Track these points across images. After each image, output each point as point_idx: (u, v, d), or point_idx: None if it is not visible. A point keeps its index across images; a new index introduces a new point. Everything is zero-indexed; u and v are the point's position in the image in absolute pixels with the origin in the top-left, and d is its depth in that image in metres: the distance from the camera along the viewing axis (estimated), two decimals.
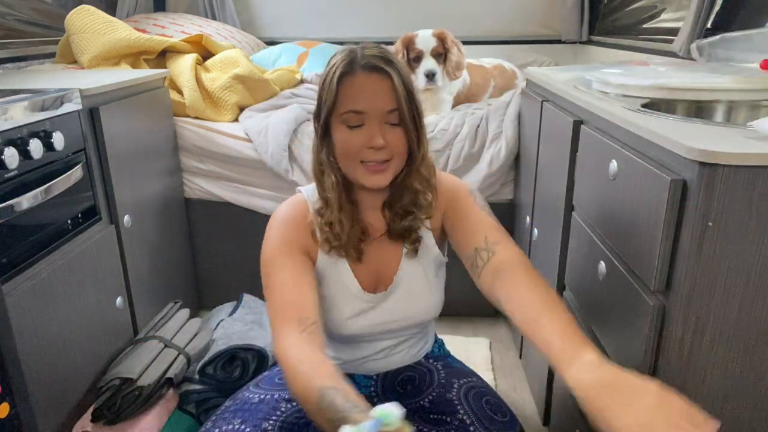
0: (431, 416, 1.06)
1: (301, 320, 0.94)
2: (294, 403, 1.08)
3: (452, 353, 1.28)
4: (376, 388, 1.17)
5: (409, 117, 0.97)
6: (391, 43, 2.04)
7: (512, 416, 1.07)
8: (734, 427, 0.88)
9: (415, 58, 2.01)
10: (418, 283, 1.11)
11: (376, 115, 0.96)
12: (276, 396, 1.10)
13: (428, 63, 1.97)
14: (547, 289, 0.92)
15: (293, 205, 1.10)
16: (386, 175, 1.00)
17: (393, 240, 1.10)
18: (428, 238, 1.11)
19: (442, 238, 1.14)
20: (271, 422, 1.03)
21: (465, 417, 1.03)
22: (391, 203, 1.07)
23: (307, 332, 0.92)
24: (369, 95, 0.95)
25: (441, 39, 1.98)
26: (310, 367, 0.87)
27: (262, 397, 1.10)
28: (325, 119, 1.00)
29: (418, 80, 1.98)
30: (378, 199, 1.08)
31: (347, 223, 1.04)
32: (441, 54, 1.99)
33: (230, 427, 1.02)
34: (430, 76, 1.96)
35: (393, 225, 1.07)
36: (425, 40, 1.98)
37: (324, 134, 1.02)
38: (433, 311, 1.13)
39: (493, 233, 1.02)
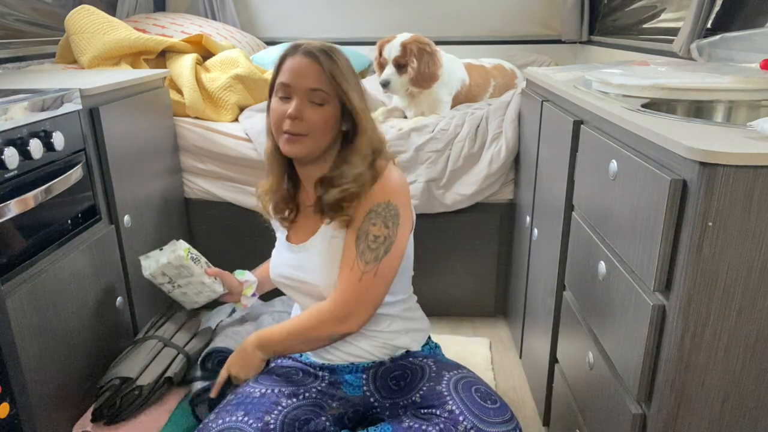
0: (422, 411, 1.07)
1: None
2: (294, 398, 1.11)
3: (452, 353, 1.28)
4: (368, 386, 1.18)
5: (334, 99, 1.11)
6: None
7: (503, 403, 1.08)
8: (734, 427, 0.88)
9: (381, 64, 2.04)
10: (320, 253, 1.19)
11: (300, 91, 1.10)
12: (276, 390, 1.11)
13: (386, 71, 2.01)
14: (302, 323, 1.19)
15: None
16: (300, 147, 1.12)
17: (316, 214, 1.19)
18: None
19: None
20: (273, 416, 1.05)
21: (454, 407, 1.04)
22: (330, 180, 1.15)
23: None
24: (297, 73, 1.10)
25: (405, 49, 1.98)
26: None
27: (263, 391, 1.11)
28: (269, 91, 1.16)
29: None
30: (313, 174, 1.18)
31: (278, 190, 1.22)
32: (404, 65, 1.99)
33: (233, 418, 1.04)
34: (385, 85, 2.00)
35: (324, 197, 1.15)
36: (391, 48, 2.00)
37: (269, 105, 1.18)
38: (322, 280, 1.19)
39: (343, 273, 1.14)
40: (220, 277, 1.44)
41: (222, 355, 1.49)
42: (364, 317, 1.14)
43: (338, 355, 1.22)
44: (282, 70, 1.12)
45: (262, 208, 1.30)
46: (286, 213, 1.25)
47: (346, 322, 1.13)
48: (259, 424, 1.03)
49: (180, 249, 1.31)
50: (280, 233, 1.31)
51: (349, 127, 1.15)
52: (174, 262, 1.32)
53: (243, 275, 1.47)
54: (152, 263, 1.35)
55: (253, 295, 1.49)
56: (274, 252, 1.33)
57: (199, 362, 1.49)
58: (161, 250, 1.33)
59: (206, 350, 1.49)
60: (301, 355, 1.25)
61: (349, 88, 1.12)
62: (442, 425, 1.02)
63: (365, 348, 1.22)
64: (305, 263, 1.22)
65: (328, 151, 1.16)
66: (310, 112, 1.10)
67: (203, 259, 1.37)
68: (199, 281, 1.37)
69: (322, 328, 1.15)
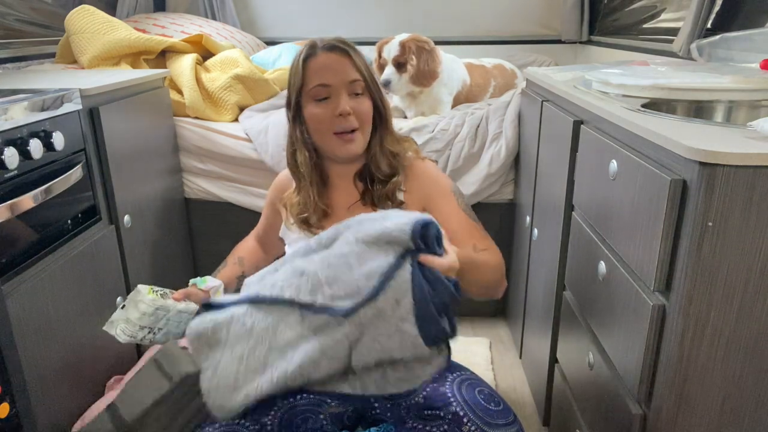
0: (425, 412, 1.06)
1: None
2: (290, 399, 1.10)
3: (452, 353, 1.28)
4: None
5: (372, 85, 1.10)
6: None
7: (506, 405, 1.07)
8: (734, 427, 0.88)
9: (381, 65, 2.05)
10: None
11: (341, 86, 1.07)
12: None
13: (386, 71, 2.02)
14: (490, 259, 1.12)
15: (285, 173, 1.27)
16: (357, 144, 1.10)
17: (367, 207, 1.15)
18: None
19: None
20: (269, 417, 1.05)
21: (458, 409, 1.03)
22: (369, 172, 1.13)
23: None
24: (332, 69, 1.07)
25: (404, 48, 1.99)
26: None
27: None
28: (296, 100, 1.11)
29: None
30: (350, 170, 1.16)
31: (315, 196, 1.16)
32: (403, 63, 2.01)
33: (230, 422, 1.03)
34: (385, 85, 2.01)
35: (373, 191, 1.13)
36: (390, 48, 2.02)
37: (296, 115, 1.12)
38: None
39: (481, 241, 1.12)
40: (187, 297, 1.28)
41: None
42: None
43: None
44: (310, 74, 1.09)
45: (293, 220, 1.21)
46: (315, 219, 1.19)
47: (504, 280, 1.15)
48: (256, 426, 1.03)
49: (144, 294, 1.16)
50: (304, 239, 1.21)
51: (381, 110, 1.15)
52: (148, 311, 1.15)
53: (205, 282, 1.31)
54: (125, 326, 1.16)
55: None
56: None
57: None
58: (122, 308, 1.16)
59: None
60: None
61: (370, 71, 1.13)
62: (446, 427, 1.01)
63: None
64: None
65: None
66: (355, 104, 1.09)
67: (166, 289, 1.22)
68: (176, 312, 1.22)
69: (501, 274, 1.14)
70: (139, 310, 1.14)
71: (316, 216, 1.18)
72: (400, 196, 1.15)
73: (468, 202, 1.21)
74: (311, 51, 1.09)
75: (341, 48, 1.09)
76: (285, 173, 1.28)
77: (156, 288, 1.20)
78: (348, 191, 1.18)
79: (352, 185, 1.17)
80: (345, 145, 1.09)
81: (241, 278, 1.35)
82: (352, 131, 1.09)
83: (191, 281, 1.30)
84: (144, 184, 1.73)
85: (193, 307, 1.23)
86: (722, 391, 0.86)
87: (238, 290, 1.29)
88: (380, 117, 1.15)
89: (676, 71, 1.32)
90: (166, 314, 1.17)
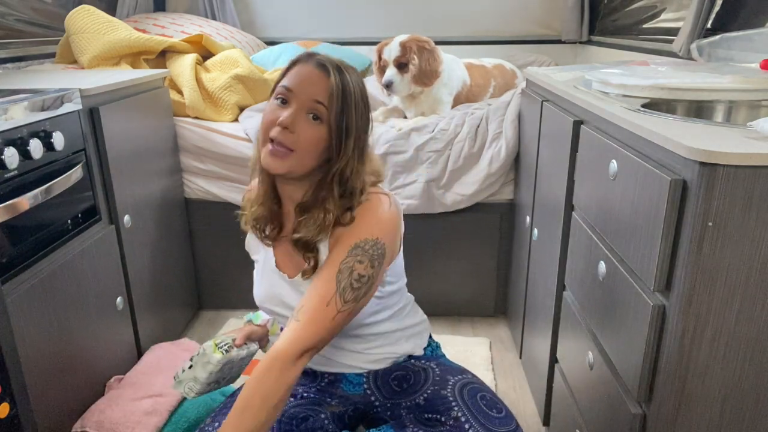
0: (425, 416, 1.06)
1: None
2: (292, 398, 1.09)
3: (452, 353, 1.28)
4: (369, 384, 1.17)
5: (334, 120, 0.99)
6: None
7: (508, 412, 1.07)
8: (734, 427, 0.88)
9: (381, 67, 2.05)
10: None
11: (302, 100, 0.99)
12: None
13: (388, 72, 2.02)
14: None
15: (251, 187, 1.20)
16: (282, 163, 0.99)
17: (299, 260, 1.07)
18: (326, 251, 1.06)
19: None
20: None
21: (460, 414, 1.03)
22: (301, 209, 1.05)
23: None
24: (306, 81, 1.00)
25: (405, 48, 2.00)
26: None
27: None
28: (270, 94, 1.06)
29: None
30: (296, 195, 1.07)
31: (267, 206, 1.09)
32: (405, 63, 2.01)
33: None
34: (388, 86, 2.02)
35: (296, 230, 1.05)
36: (390, 49, 2.02)
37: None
38: None
39: (307, 309, 0.98)
40: (248, 339, 1.25)
41: None
42: (318, 352, 1.01)
43: (337, 367, 1.19)
44: (288, 74, 1.04)
45: (246, 219, 1.14)
46: (268, 230, 1.12)
47: (304, 357, 0.96)
48: None
49: (211, 354, 1.13)
50: (263, 256, 1.15)
51: (333, 156, 1.02)
52: (215, 369, 1.14)
53: (260, 318, 1.28)
54: (193, 384, 1.15)
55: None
56: (259, 277, 1.17)
57: None
58: (190, 367, 1.14)
59: None
60: None
61: (351, 112, 1.01)
62: None
63: (363, 365, 1.17)
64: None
65: (311, 174, 1.04)
66: (304, 126, 0.99)
67: (228, 338, 1.20)
68: (239, 360, 1.20)
69: (277, 370, 0.93)
70: (207, 371, 1.13)
71: (266, 220, 1.11)
72: (321, 253, 1.05)
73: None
74: (306, 57, 1.04)
75: (328, 68, 1.01)
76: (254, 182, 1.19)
77: (220, 342, 1.17)
78: (290, 214, 1.09)
79: (292, 211, 1.08)
80: (269, 156, 0.99)
81: None
82: (286, 147, 0.99)
83: (246, 317, 1.29)
84: (144, 184, 1.73)
85: (254, 348, 1.23)
86: (722, 391, 0.86)
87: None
88: (336, 157, 1.01)
89: (676, 71, 1.32)
90: (232, 364, 1.17)
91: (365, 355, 1.16)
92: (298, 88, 1.00)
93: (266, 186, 1.09)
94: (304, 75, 1.01)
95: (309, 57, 1.04)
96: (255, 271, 1.19)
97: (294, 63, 1.04)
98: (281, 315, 1.14)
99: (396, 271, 1.14)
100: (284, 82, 1.02)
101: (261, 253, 1.16)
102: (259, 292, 1.17)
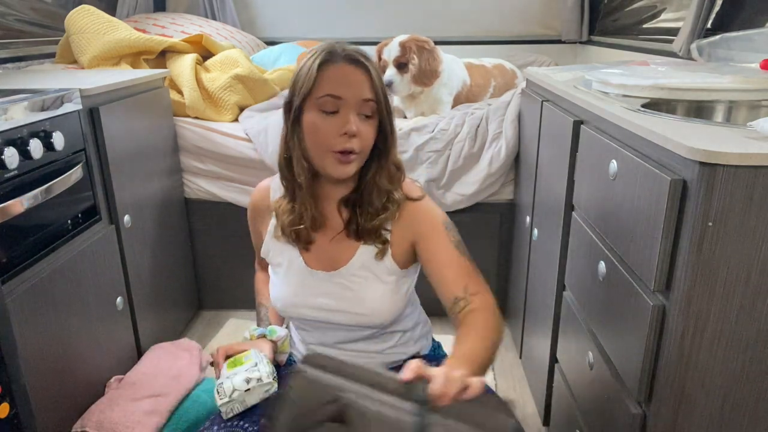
0: None
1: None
2: None
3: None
4: None
5: (384, 109, 1.01)
6: None
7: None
8: (734, 427, 0.88)
9: (381, 67, 2.05)
10: (368, 281, 1.08)
11: (353, 103, 0.97)
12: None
13: (388, 72, 2.02)
14: (490, 333, 0.97)
15: (257, 190, 1.20)
16: (351, 167, 1.00)
17: (350, 238, 1.08)
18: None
19: (407, 255, 1.09)
20: None
21: None
22: (360, 202, 1.06)
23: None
24: (348, 82, 0.97)
25: (405, 48, 2.00)
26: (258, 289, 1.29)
27: None
28: (299, 105, 0.99)
29: None
30: (339, 193, 1.07)
31: (311, 210, 1.06)
32: (404, 63, 2.01)
33: (229, 423, 1.03)
34: (388, 86, 2.00)
35: (361, 223, 1.05)
36: (390, 49, 2.02)
37: (295, 120, 1.01)
38: (380, 316, 1.08)
39: (472, 282, 1.05)
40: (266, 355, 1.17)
41: None
42: None
43: None
44: (323, 81, 0.97)
45: (283, 229, 1.10)
46: (306, 234, 1.09)
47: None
48: (256, 427, 1.03)
49: (274, 385, 1.09)
50: (287, 259, 1.12)
51: (381, 143, 1.03)
52: (260, 392, 1.08)
53: (275, 333, 1.18)
54: (239, 407, 1.09)
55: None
56: (279, 282, 1.14)
57: None
58: (246, 390, 1.07)
59: None
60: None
61: (386, 93, 1.01)
62: None
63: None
64: (346, 292, 1.08)
65: None
66: (362, 126, 0.98)
67: (270, 364, 1.12)
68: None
69: (501, 326, 1.01)
70: (259, 399, 1.08)
71: (308, 230, 1.08)
72: (386, 234, 1.07)
73: (454, 224, 1.10)
74: (329, 57, 0.97)
75: (362, 62, 0.98)
76: (260, 186, 1.19)
77: (272, 370, 1.11)
78: (333, 215, 1.09)
79: (336, 210, 1.09)
80: (341, 165, 0.99)
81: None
82: (351, 153, 0.98)
83: (256, 332, 1.20)
84: (144, 184, 1.73)
85: (273, 366, 1.14)
86: (722, 390, 0.86)
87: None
88: (384, 143, 1.03)
89: (676, 71, 1.32)
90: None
91: (382, 356, 1.17)
92: (347, 93, 0.97)
93: (308, 192, 1.06)
94: (345, 76, 0.97)
95: (332, 54, 0.98)
96: (275, 276, 1.15)
97: (321, 66, 0.97)
98: (304, 318, 1.13)
99: None
100: (326, 89, 0.97)
101: (284, 257, 1.12)
102: (285, 295, 1.12)
